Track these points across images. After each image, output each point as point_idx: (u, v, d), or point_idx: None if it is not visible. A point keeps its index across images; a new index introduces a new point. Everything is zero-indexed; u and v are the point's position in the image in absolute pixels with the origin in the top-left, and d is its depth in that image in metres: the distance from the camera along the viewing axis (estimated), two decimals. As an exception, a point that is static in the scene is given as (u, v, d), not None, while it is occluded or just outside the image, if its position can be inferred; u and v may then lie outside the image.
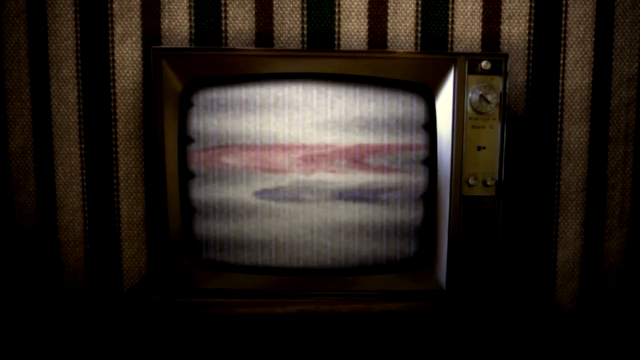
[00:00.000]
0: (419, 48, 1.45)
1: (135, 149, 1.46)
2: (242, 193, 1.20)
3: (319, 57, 1.16)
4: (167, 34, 1.43)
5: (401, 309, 1.17)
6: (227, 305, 1.17)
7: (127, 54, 1.44)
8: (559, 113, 1.47)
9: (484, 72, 1.16)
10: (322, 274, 1.22)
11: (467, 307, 1.18)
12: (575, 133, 1.48)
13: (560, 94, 1.47)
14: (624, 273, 1.52)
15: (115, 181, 1.47)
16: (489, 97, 1.16)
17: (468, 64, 1.16)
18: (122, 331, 1.18)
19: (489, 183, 1.18)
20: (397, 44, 1.45)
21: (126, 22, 1.43)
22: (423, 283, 1.21)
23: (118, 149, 1.46)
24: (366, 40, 1.45)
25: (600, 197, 1.50)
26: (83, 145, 1.45)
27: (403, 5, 1.44)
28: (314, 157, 1.19)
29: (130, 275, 1.49)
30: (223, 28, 1.44)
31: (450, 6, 1.44)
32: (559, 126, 1.48)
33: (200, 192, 1.20)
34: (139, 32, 1.43)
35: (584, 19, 1.45)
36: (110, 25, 1.43)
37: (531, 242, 1.51)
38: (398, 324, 1.17)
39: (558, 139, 1.48)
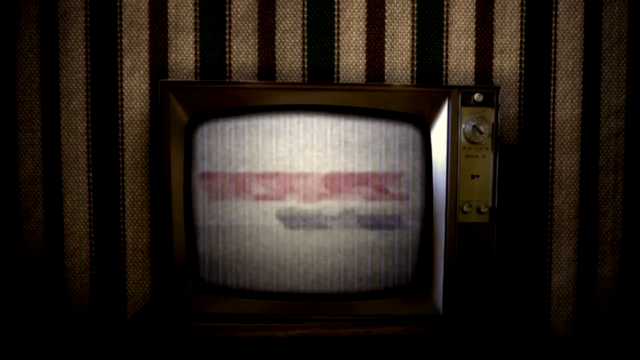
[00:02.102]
0: (415, 81, 1.51)
1: (141, 177, 1.51)
2: (244, 220, 1.24)
3: (319, 90, 1.22)
4: (173, 67, 1.50)
5: (399, 333, 1.20)
6: (229, 329, 1.20)
7: (135, 87, 1.50)
8: (551, 143, 1.53)
9: (476, 104, 1.22)
10: (322, 298, 1.25)
11: (463, 332, 1.21)
12: (566, 162, 1.53)
13: (551, 125, 1.52)
14: (617, 299, 1.55)
15: (121, 209, 1.51)
16: (481, 128, 1.21)
17: (461, 96, 1.22)
18: (127, 356, 1.21)
19: (482, 210, 1.22)
20: (394, 77, 1.51)
21: (135, 57, 1.49)
22: (420, 307, 1.25)
23: (125, 178, 1.51)
24: (364, 74, 1.51)
25: (592, 224, 1.54)
26: (91, 174, 1.51)
27: (399, 40, 1.51)
28: (314, 186, 1.24)
29: (134, 300, 1.53)
30: (227, 62, 1.50)
31: (445, 41, 1.51)
32: (550, 155, 1.53)
33: (204, 219, 1.24)
34: (146, 66, 1.50)
35: (573, 53, 1.51)
36: (119, 60, 1.50)
37: (526, 268, 1.55)
38: (396, 348, 1.20)
39: (550, 167, 1.53)
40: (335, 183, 1.24)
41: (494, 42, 1.51)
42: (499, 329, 1.22)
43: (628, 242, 1.54)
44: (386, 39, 1.51)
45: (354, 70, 1.51)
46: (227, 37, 1.50)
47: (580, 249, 1.54)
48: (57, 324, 1.53)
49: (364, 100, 1.22)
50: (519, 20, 1.51)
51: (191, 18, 1.50)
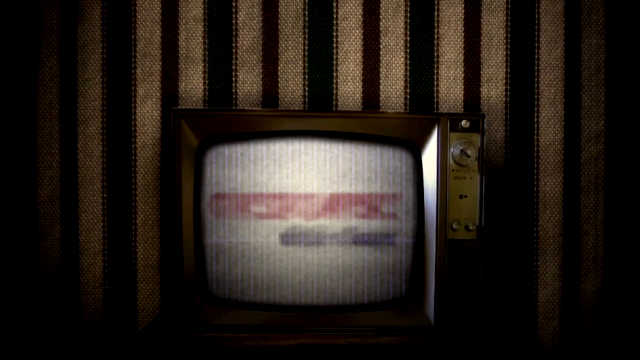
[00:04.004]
0: (408, 108, 1.59)
1: (152, 198, 1.59)
2: (249, 237, 1.32)
3: (319, 117, 1.30)
4: (184, 95, 1.59)
5: (394, 342, 1.28)
6: (236, 339, 1.28)
7: (148, 114, 1.59)
8: (536, 166, 1.59)
9: (464, 130, 1.31)
10: (322, 311, 1.32)
11: (454, 342, 1.28)
12: (550, 184, 1.60)
13: (536, 149, 1.59)
14: (600, 313, 1.61)
15: (133, 227, 1.59)
16: (469, 152, 1.30)
17: (450, 123, 1.31)
18: (139, 364, 1.28)
19: (470, 228, 1.31)
20: (389, 105, 1.60)
21: (148, 86, 1.59)
22: (413, 319, 1.33)
23: (137, 198, 1.59)
24: (361, 101, 1.59)
25: (576, 242, 1.60)
26: (105, 195, 1.59)
27: (393, 70, 1.59)
28: (315, 206, 1.31)
29: (144, 314, 1.60)
30: (234, 91, 1.59)
31: (436, 72, 1.59)
32: (535, 177, 1.59)
33: (213, 237, 1.32)
34: (158, 94, 1.59)
35: (555, 82, 1.60)
36: (133, 89, 1.59)
37: (514, 283, 1.60)
38: (391, 357, 1.28)
39: (535, 189, 1.60)
40: (334, 203, 1.32)
41: (482, 73, 1.59)
42: (489, 340, 1.29)
43: (610, 259, 1.60)
44: (381, 70, 1.59)
45: (351, 99, 1.59)
46: (234, 68, 1.59)
47: (564, 266, 1.60)
48: (72, 336, 1.59)
49: (361, 127, 1.30)
50: (505, 52, 1.60)
51: (201, 50, 1.60)
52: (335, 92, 1.60)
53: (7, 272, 1.58)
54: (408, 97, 1.59)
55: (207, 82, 1.59)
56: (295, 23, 1.59)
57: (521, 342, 1.29)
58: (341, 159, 1.31)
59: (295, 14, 1.59)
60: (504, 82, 1.60)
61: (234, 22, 1.59)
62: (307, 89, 1.59)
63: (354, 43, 1.59)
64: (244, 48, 1.59)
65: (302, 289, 1.32)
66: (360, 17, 1.59)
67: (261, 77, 1.59)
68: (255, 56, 1.59)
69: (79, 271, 1.59)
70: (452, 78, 1.59)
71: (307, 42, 1.59)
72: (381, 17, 1.59)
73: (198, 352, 1.27)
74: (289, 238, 1.31)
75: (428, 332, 1.32)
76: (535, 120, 1.60)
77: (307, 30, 1.59)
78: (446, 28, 1.59)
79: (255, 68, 1.59)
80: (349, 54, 1.59)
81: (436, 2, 1.59)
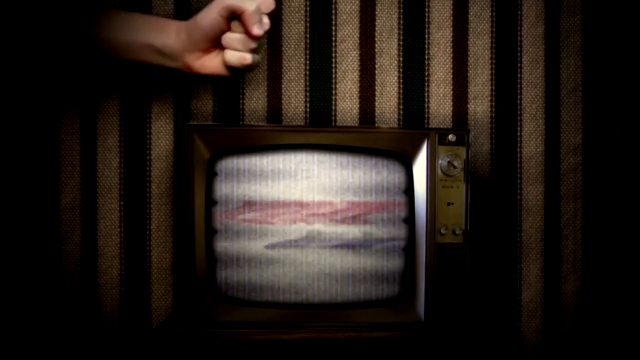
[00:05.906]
0: (401, 123, 1.69)
1: (165, 205, 1.69)
2: (255, 241, 1.42)
3: (320, 132, 1.41)
4: (195, 111, 1.69)
5: (386, 336, 1.38)
6: (244, 334, 1.38)
7: (162, 128, 1.69)
8: (519, 175, 1.69)
9: (451, 143, 1.43)
10: (322, 308, 1.42)
11: (442, 336, 1.38)
12: (532, 192, 1.69)
13: (518, 160, 1.69)
14: (579, 312, 1.69)
15: (148, 233, 1.69)
16: (455, 163, 1.42)
17: (438, 137, 1.42)
18: (154, 358, 1.39)
19: (457, 232, 1.43)
20: (383, 120, 1.70)
21: (161, 102, 1.71)
22: (405, 316, 1.43)
23: (151, 206, 1.69)
24: (358, 117, 1.69)
25: (556, 246, 1.69)
26: (122, 202, 1.69)
27: (387, 88, 1.70)
28: (315, 213, 1.41)
29: (158, 313, 1.68)
30: (240, 107, 1.69)
31: (426, 89, 1.70)
32: (518, 186, 1.69)
33: (222, 241, 1.42)
34: (171, 110, 1.70)
35: (536, 99, 1.70)
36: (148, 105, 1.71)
37: (499, 284, 1.70)
38: (384, 349, 1.39)
39: (518, 197, 1.70)
40: (332, 210, 1.41)
41: (469, 90, 1.69)
42: (475, 334, 1.38)
43: (588, 262, 1.69)
44: (376, 88, 1.69)
45: (349, 114, 1.69)
46: (241, 86, 1.69)
47: (546, 268, 1.69)
48: (90, 334, 1.68)
49: (357, 140, 1.41)
50: (490, 72, 1.70)
51: (210, 69, 1.72)
52: (334, 108, 1.70)
53: (31, 274, 1.69)
54: (401, 112, 1.71)
55: (215, 98, 1.70)
56: (297, 45, 1.71)
57: (506, 337, 1.41)
58: (339, 169, 1.42)
59: (297, 36, 1.71)
60: (489, 98, 1.70)
61: (241, 43, 1.71)
62: (308, 105, 1.70)
63: (351, 63, 1.70)
64: (250, 67, 1.71)
65: (304, 288, 1.43)
66: (357, 39, 1.71)
67: (266, 94, 1.69)
68: (260, 75, 1.70)
69: (97, 273, 1.69)
70: (441, 95, 1.70)
71: (308, 62, 1.70)
72: (376, 39, 1.71)
73: (209, 345, 1.38)
74: (291, 242, 1.42)
75: (418, 328, 1.43)
76: (518, 133, 1.70)
77: (308, 51, 1.70)
78: (436, 49, 1.71)
79: (260, 86, 1.69)
80: (346, 73, 1.70)
81: (427, 26, 1.72)
